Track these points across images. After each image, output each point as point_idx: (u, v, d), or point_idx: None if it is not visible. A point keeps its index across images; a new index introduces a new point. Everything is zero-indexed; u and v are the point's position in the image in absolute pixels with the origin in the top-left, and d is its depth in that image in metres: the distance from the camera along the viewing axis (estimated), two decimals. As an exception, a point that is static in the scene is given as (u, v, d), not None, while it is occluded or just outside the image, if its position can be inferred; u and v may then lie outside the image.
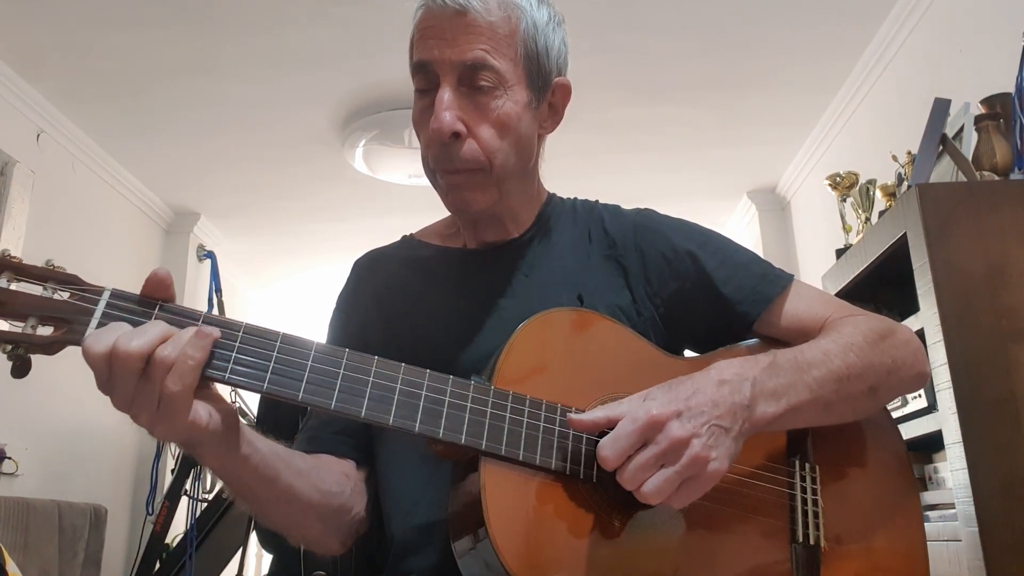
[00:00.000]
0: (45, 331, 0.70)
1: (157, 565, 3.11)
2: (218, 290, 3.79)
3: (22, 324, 0.70)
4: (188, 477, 3.23)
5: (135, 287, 0.74)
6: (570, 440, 0.82)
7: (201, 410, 0.72)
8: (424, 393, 0.78)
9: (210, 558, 3.18)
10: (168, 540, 3.24)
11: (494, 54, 0.92)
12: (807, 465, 0.93)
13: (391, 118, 3.31)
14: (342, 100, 3.29)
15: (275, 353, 0.75)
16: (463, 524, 0.79)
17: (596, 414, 0.80)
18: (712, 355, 0.96)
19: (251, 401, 3.36)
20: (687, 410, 0.78)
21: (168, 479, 3.55)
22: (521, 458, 0.79)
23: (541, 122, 1.01)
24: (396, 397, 0.77)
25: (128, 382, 0.68)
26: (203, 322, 0.73)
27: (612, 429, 0.78)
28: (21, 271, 0.71)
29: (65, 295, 0.71)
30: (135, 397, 0.68)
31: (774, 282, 1.00)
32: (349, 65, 3.05)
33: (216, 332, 0.72)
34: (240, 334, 0.74)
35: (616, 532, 0.81)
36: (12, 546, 2.70)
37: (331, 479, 0.93)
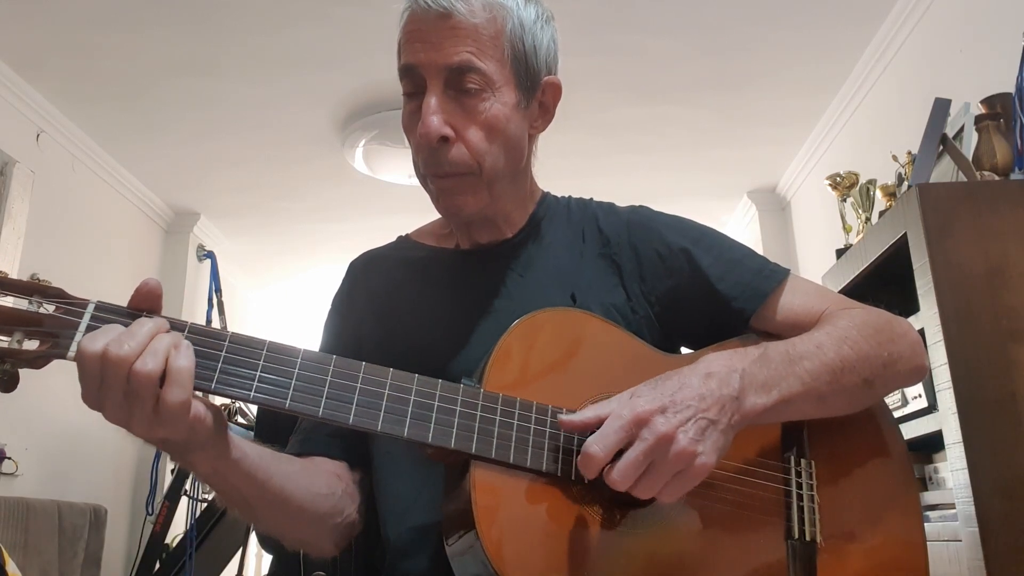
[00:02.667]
0: (31, 345, 0.70)
1: (157, 565, 3.11)
2: (218, 290, 3.79)
3: (8, 339, 0.70)
4: (188, 477, 3.23)
5: (134, 288, 0.74)
6: (561, 442, 0.81)
7: (195, 411, 0.71)
8: (412, 398, 0.78)
9: (210, 558, 3.18)
10: (168, 540, 3.24)
11: (480, 56, 0.91)
12: (803, 461, 0.92)
13: (391, 118, 3.31)
14: (342, 100, 3.29)
15: (261, 362, 0.74)
16: (455, 527, 0.79)
17: (586, 414, 0.80)
18: (706, 351, 0.96)
19: (251, 401, 3.36)
20: (672, 405, 0.77)
21: (168, 479, 3.56)
22: (512, 461, 0.79)
23: (531, 122, 1.00)
24: (384, 403, 0.77)
25: (120, 389, 0.68)
26: (188, 331, 0.73)
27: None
28: (6, 285, 0.71)
29: (51, 309, 0.71)
30: (130, 406, 0.68)
31: (770, 277, 1.00)
32: (349, 65, 3.05)
33: (188, 344, 0.71)
34: (226, 343, 0.74)
35: (609, 533, 0.81)
36: (12, 546, 2.70)
37: (322, 481, 0.93)
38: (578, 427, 0.80)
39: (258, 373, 0.74)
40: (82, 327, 0.71)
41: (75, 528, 3.07)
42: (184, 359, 0.69)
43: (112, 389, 0.68)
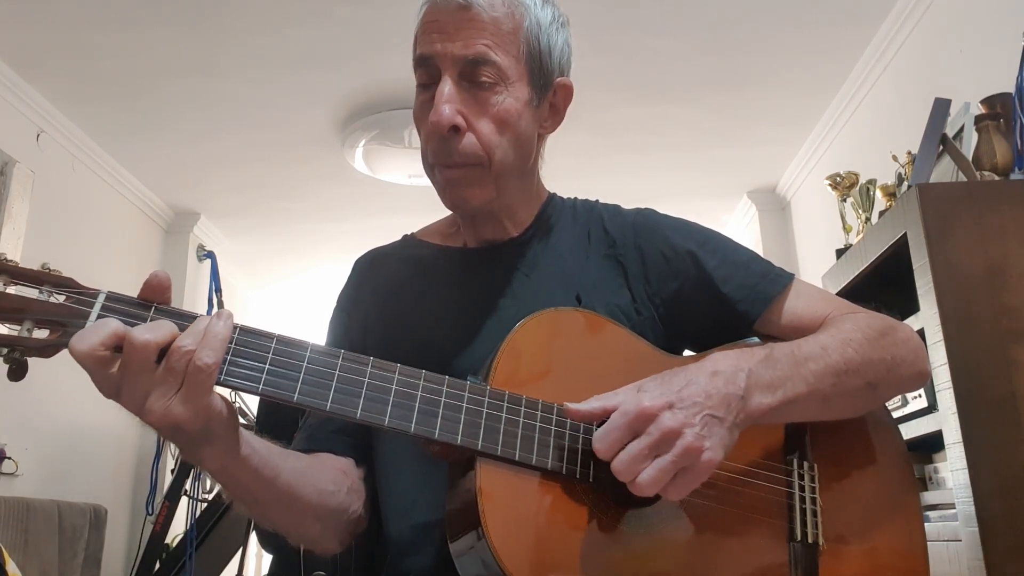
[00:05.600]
0: (41, 334, 0.70)
1: (157, 565, 3.10)
2: (218, 290, 3.79)
3: (18, 327, 0.70)
4: (188, 477, 3.23)
5: (135, 287, 0.74)
6: (567, 440, 0.81)
7: (214, 398, 0.72)
8: (420, 394, 0.78)
9: (210, 558, 3.18)
10: (168, 540, 3.24)
11: (496, 50, 0.92)
12: (805, 463, 0.93)
13: (391, 118, 3.31)
14: (342, 100, 3.29)
15: (270, 355, 0.75)
16: (460, 525, 0.79)
17: (592, 404, 0.80)
18: (709, 353, 0.96)
19: (251, 403, 3.36)
20: (679, 401, 0.78)
21: (168, 479, 3.55)
22: (517, 458, 0.79)
23: (541, 121, 1.01)
24: (391, 398, 0.77)
25: (144, 372, 0.68)
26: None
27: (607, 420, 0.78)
28: (16, 274, 0.71)
29: (61, 298, 0.71)
30: (154, 386, 0.69)
31: (775, 281, 1.00)
32: (349, 65, 3.05)
33: (232, 314, 0.73)
34: (236, 335, 0.74)
35: (614, 532, 0.81)
36: (12, 546, 2.70)
37: (328, 478, 0.93)
38: (584, 417, 0.81)
39: (267, 366, 0.74)
40: (93, 316, 0.71)
41: (75, 528, 3.07)
42: (220, 327, 0.70)
43: (133, 372, 0.68)
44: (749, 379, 0.82)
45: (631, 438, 0.77)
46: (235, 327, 0.74)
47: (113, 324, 0.68)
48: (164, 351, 0.69)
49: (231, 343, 0.73)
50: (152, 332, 0.68)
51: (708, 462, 0.77)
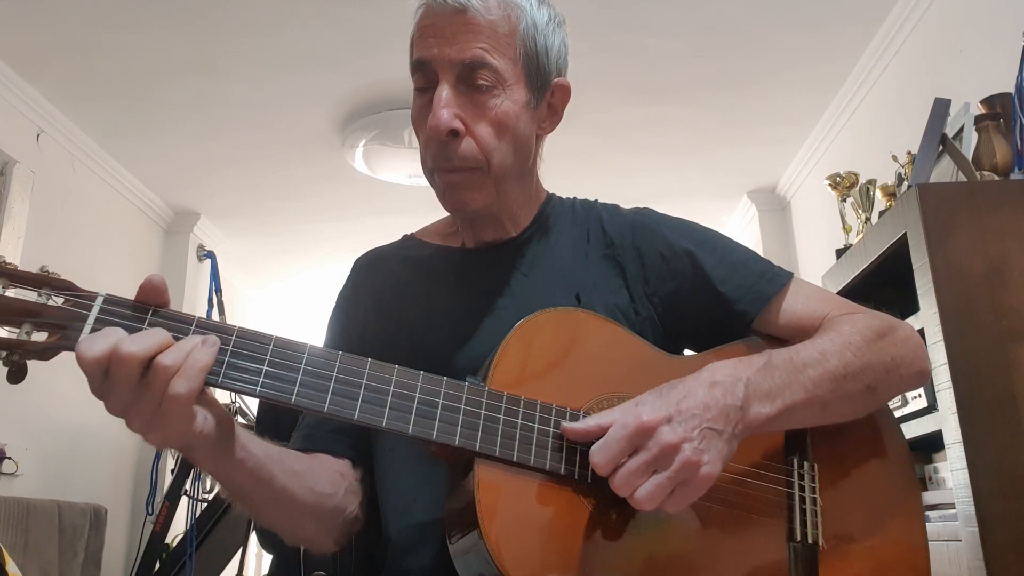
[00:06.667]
0: (40, 337, 0.70)
1: (157, 565, 3.11)
2: (218, 290, 3.79)
3: (17, 330, 0.70)
4: (188, 477, 3.23)
5: (135, 287, 0.74)
6: (565, 441, 0.81)
7: (197, 414, 0.71)
8: (417, 395, 0.78)
9: (210, 558, 3.18)
10: (168, 540, 3.24)
11: (493, 53, 0.92)
12: (805, 463, 0.93)
13: (391, 118, 3.32)
14: (342, 100, 3.29)
15: (268, 357, 0.75)
16: (458, 525, 0.79)
17: (589, 422, 0.80)
18: (709, 353, 0.96)
19: (251, 401, 3.37)
20: (678, 414, 0.78)
21: (168, 479, 3.56)
22: (515, 459, 0.79)
23: (540, 122, 1.01)
24: (389, 400, 0.77)
25: (125, 386, 0.67)
26: (196, 326, 0.73)
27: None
28: (15, 277, 0.71)
29: (59, 301, 0.71)
30: (132, 402, 0.68)
31: (773, 280, 1.00)
32: (349, 65, 3.05)
33: (218, 341, 0.72)
34: (233, 338, 0.74)
35: (612, 532, 0.81)
36: (12, 546, 2.70)
37: (325, 479, 0.93)
38: (580, 435, 0.80)
39: (264, 368, 0.74)
40: (91, 320, 0.71)
41: (75, 528, 3.07)
42: (202, 354, 0.69)
43: (118, 381, 0.67)
44: (747, 389, 0.82)
45: (629, 452, 0.76)
46: (233, 330, 0.74)
47: (122, 332, 0.68)
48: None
49: (229, 346, 0.73)
50: (140, 343, 0.67)
51: (706, 476, 0.77)
